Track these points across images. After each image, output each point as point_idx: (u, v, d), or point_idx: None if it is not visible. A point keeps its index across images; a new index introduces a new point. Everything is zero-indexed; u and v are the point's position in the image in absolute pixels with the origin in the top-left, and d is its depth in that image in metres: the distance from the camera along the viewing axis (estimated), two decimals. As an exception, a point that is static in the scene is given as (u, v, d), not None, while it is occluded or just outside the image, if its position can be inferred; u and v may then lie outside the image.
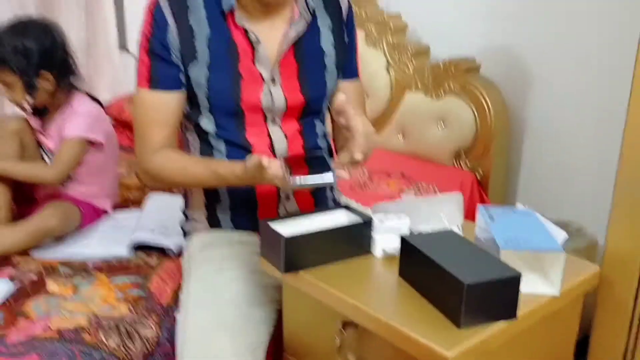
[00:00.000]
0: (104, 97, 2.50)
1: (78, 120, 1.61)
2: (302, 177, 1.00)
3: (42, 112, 1.66)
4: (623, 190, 1.13)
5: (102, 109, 1.73)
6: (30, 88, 1.59)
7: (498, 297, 0.89)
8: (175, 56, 1.15)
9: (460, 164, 1.94)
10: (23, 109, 1.63)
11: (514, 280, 0.89)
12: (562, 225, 1.73)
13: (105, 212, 1.72)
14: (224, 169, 1.13)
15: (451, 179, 1.88)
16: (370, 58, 2.11)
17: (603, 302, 1.18)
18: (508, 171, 1.97)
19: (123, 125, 2.41)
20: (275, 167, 1.01)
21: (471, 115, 1.88)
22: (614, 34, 1.70)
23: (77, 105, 1.65)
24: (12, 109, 1.87)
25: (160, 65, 1.15)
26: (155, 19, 1.13)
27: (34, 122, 1.69)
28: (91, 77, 2.68)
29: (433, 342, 0.84)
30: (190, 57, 1.15)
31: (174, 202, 1.72)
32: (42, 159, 1.69)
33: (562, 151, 1.87)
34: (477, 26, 2.00)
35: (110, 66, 2.81)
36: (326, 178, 1.02)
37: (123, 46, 2.91)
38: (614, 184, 1.14)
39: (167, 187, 1.59)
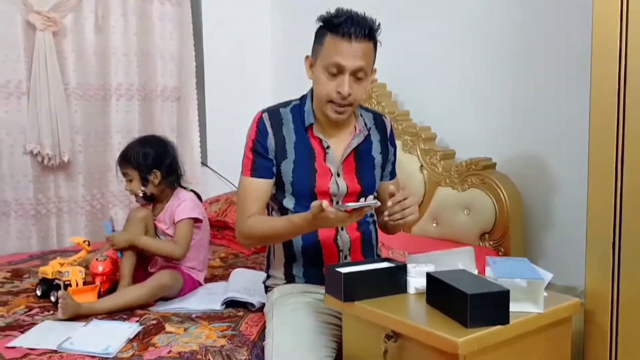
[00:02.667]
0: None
1: (184, 205, 2.13)
2: (351, 203, 1.46)
3: (149, 199, 2.19)
4: (593, 244, 1.52)
5: (198, 199, 2.25)
6: (144, 181, 2.14)
7: (493, 306, 1.28)
8: (271, 155, 1.66)
9: (484, 244, 2.35)
10: (137, 196, 2.17)
11: (504, 294, 1.28)
12: (571, 289, 2.09)
13: (199, 283, 2.19)
14: (296, 218, 1.56)
15: (477, 257, 2.26)
16: (407, 162, 2.61)
17: (589, 328, 1.53)
18: (525, 248, 2.35)
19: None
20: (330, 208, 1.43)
21: (491, 204, 2.31)
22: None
23: (181, 196, 2.18)
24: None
25: (260, 160, 1.66)
26: (259, 128, 1.67)
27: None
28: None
29: (449, 335, 1.22)
30: (282, 157, 1.66)
31: (253, 273, 2.21)
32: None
33: (570, 227, 2.25)
34: (491, 133, 2.50)
35: (193, 178, 3.38)
36: (369, 201, 1.45)
37: (204, 162, 3.54)
38: (585, 240, 1.53)
39: (258, 243, 1.84)
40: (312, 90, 1.72)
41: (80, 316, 1.84)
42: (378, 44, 1.64)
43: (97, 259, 2.11)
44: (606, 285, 1.49)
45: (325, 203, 1.42)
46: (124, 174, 2.17)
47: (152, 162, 2.14)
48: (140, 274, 2.12)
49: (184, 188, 2.24)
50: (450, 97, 2.66)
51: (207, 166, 3.56)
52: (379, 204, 1.48)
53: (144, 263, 2.16)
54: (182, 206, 2.14)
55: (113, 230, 2.10)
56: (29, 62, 2.90)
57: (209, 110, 3.56)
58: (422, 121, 2.73)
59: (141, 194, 2.15)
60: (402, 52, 2.78)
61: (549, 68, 2.31)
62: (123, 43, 3.17)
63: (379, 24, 1.61)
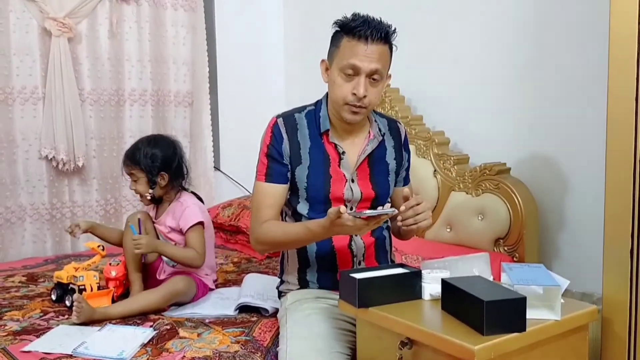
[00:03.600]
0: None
1: (189, 211, 2.10)
2: (367, 210, 1.44)
3: (156, 202, 2.17)
4: (610, 250, 1.50)
5: (202, 203, 2.24)
6: (152, 183, 2.12)
7: (510, 313, 1.26)
8: (286, 160, 1.66)
9: (499, 249, 2.33)
10: (143, 197, 2.15)
11: (521, 301, 1.27)
12: (588, 296, 2.06)
13: (210, 289, 2.19)
14: (312, 224, 1.55)
15: (492, 263, 2.24)
16: (420, 166, 2.60)
17: (606, 335, 1.51)
18: (540, 254, 2.33)
19: (217, 228, 2.94)
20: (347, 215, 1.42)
21: (505, 209, 2.29)
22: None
23: (184, 201, 2.14)
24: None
25: (275, 165, 1.66)
26: (274, 133, 1.67)
27: (152, 213, 2.20)
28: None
29: (465, 342, 1.21)
30: (297, 162, 1.66)
31: (266, 278, 2.21)
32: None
33: (586, 233, 2.22)
34: (505, 138, 2.49)
35: (206, 182, 3.41)
36: (386, 209, 1.45)
37: (217, 167, 3.55)
38: (602, 245, 1.51)
39: (272, 248, 1.81)
40: (326, 95, 1.72)
41: (94, 321, 1.85)
42: (394, 48, 1.64)
43: (110, 264, 2.12)
44: (624, 292, 1.47)
45: (343, 208, 1.42)
46: (130, 174, 2.15)
47: (160, 165, 2.12)
48: (151, 281, 2.13)
49: (186, 190, 2.22)
50: (464, 101, 2.65)
51: (220, 171, 3.57)
52: (396, 211, 1.48)
53: (152, 270, 2.16)
54: (187, 213, 2.10)
55: (139, 233, 2.07)
56: (44, 68, 2.92)
57: (222, 115, 3.57)
58: (435, 126, 2.72)
59: (149, 197, 2.14)
60: (415, 57, 2.77)
61: (564, 72, 2.29)
62: (137, 49, 3.19)
63: (395, 29, 1.61)
